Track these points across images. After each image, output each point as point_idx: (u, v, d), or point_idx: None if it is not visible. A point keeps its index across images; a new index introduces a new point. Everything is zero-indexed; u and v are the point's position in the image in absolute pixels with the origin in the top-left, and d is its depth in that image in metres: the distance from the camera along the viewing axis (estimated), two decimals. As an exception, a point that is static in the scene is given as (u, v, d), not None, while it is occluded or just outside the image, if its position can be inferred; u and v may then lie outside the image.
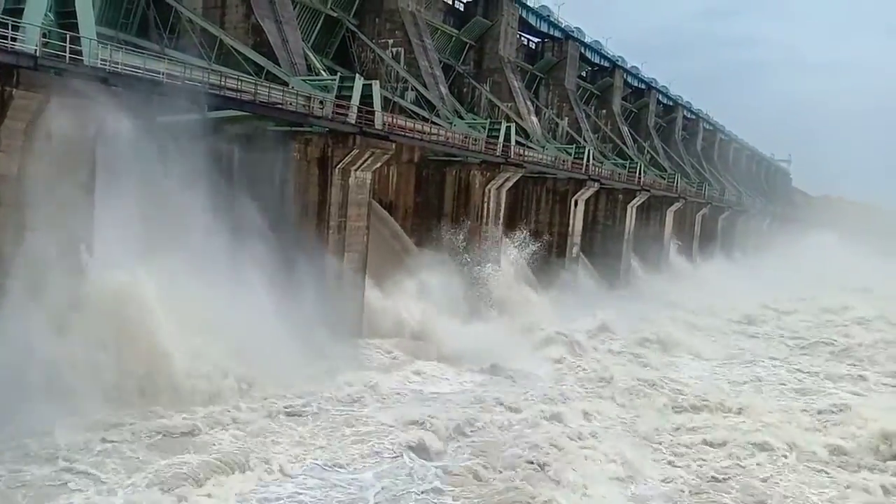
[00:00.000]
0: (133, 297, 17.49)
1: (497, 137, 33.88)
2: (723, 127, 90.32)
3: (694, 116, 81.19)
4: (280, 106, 23.18)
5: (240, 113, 22.70)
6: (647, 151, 64.03)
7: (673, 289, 48.63)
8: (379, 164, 26.87)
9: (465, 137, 32.63)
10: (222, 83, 21.69)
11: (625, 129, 61.48)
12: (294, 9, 29.60)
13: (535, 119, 45.78)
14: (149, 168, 19.16)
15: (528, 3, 48.05)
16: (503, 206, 34.94)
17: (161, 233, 18.32)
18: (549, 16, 50.62)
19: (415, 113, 32.94)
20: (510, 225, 39.64)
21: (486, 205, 33.46)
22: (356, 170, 25.61)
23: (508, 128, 34.72)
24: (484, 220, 33.50)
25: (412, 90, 35.05)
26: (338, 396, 19.91)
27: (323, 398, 19.56)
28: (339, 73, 27.30)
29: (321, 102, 24.66)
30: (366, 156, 25.42)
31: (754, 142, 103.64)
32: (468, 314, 29.88)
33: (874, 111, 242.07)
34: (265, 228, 23.33)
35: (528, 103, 45.91)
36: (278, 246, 23.15)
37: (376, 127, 25.90)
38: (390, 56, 36.12)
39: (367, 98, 25.77)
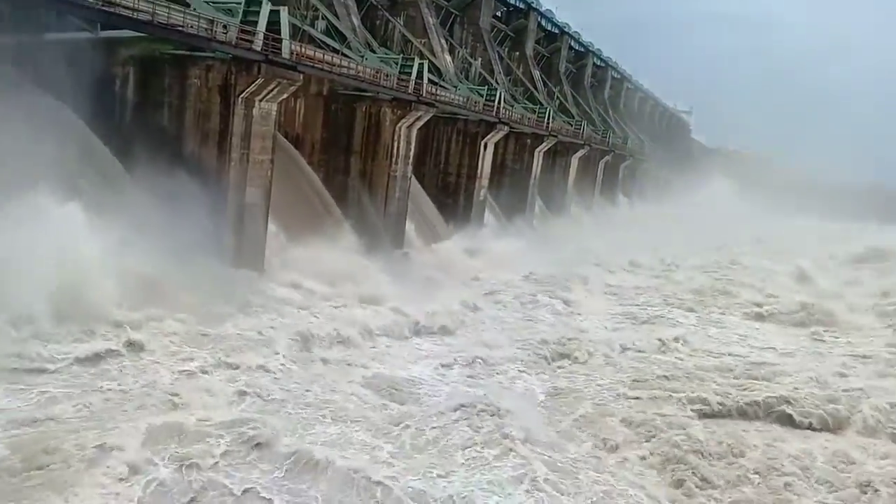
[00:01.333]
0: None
1: (409, 74, 33.17)
2: (630, 76, 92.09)
3: (603, 64, 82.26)
4: (180, 28, 21.73)
5: (136, 34, 21.15)
6: (557, 97, 64.57)
7: (573, 233, 50.22)
8: (285, 96, 25.79)
9: (377, 72, 31.77)
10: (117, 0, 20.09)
11: (536, 74, 61.60)
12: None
13: (448, 57, 45.05)
14: (30, 89, 17.72)
15: (446, -64, 46.72)
16: (413, 145, 34.51)
17: (40, 158, 17.10)
18: (466, -49, 49.43)
19: (325, 44, 31.68)
20: (419, 165, 39.41)
21: (396, 143, 32.91)
22: (261, 100, 24.51)
23: (421, 65, 34.02)
24: (394, 159, 33.01)
25: (323, 19, 33.63)
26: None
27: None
28: (244, -4, 25.80)
29: (224, 27, 23.24)
30: (271, 86, 24.32)
31: (658, 92, 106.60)
32: (375, 253, 29.70)
33: (773, 69, 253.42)
34: (161, 158, 22.18)
35: (443, 41, 45.07)
36: (174, 176, 22.07)
37: (283, 56, 24.73)
38: (301, -19, 34.40)
39: (274, 25, 24.47)
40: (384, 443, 14.77)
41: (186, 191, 21.90)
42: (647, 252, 45.50)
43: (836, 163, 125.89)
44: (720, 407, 18.48)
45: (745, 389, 19.69)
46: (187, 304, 19.60)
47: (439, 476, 13.56)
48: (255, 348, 18.64)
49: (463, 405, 16.53)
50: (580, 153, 58.61)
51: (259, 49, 23.75)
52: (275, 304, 22.86)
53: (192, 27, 22.12)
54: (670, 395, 19.06)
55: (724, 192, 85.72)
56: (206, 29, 22.56)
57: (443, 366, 20.43)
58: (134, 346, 17.12)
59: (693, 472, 14.81)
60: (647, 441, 16.19)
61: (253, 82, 23.76)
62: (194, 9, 22.65)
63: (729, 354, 24.10)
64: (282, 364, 18.14)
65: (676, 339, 25.04)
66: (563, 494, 13.38)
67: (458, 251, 36.10)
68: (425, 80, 34.18)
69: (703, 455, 15.58)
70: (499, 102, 43.23)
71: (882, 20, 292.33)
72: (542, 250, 40.10)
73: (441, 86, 39.08)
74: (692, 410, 18.22)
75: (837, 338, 28.29)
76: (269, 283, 24.47)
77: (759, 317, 31.20)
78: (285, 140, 30.79)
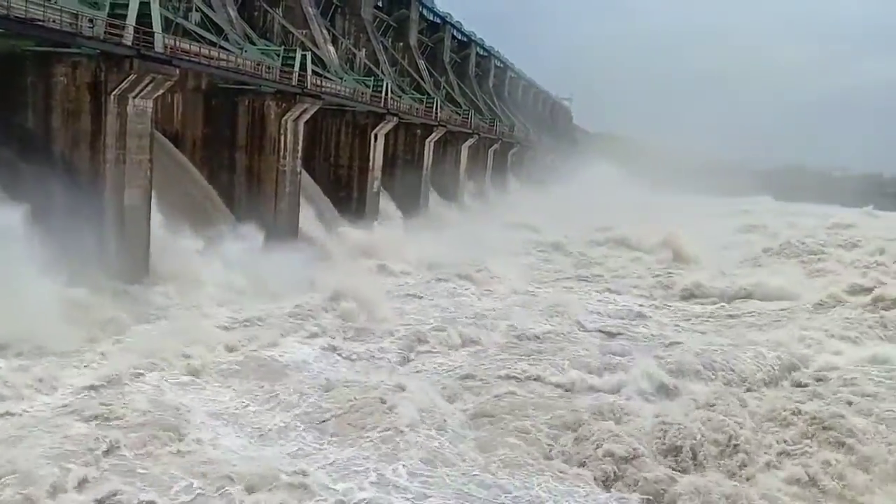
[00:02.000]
0: None
1: (292, 66, 32.44)
2: (512, 65, 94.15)
3: (486, 54, 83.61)
4: (40, 23, 20.30)
5: (-11, 28, 19.59)
6: (443, 87, 65.09)
7: (466, 220, 51.03)
8: (161, 92, 24.67)
9: (258, 65, 30.89)
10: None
11: (422, 64, 61.80)
12: None
13: (331, 49, 44.44)
14: None
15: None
16: (301, 138, 33.84)
17: None
18: (343, -59, 48.84)
19: (201, 36, 30.51)
20: (309, 159, 38.73)
21: (282, 137, 32.13)
22: (135, 97, 23.31)
23: (304, 56, 33.35)
24: (281, 154, 32.24)
25: (197, 11, 32.39)
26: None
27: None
28: (110, -12, 24.44)
29: (91, 21, 21.92)
30: (145, 81, 23.18)
31: (540, 80, 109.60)
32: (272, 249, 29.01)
33: (649, 55, 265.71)
34: (27, 163, 20.75)
35: (325, 32, 44.39)
36: (43, 181, 20.70)
37: (157, 50, 23.62)
38: (170, -28, 32.92)
39: (144, 18, 23.29)
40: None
41: (57, 196, 20.58)
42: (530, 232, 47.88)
43: (708, 141, 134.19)
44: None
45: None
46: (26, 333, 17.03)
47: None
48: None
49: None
50: (469, 142, 59.41)
51: (130, 44, 22.58)
52: (154, 311, 21.70)
53: (53, 21, 20.72)
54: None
55: (608, 175, 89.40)
56: (69, 23, 21.20)
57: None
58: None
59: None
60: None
61: (125, 79, 22.59)
62: (56, 2, 21.23)
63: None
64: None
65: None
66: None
67: (353, 243, 35.78)
68: (309, 72, 33.57)
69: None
70: (386, 93, 43.08)
71: (754, 3, 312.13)
72: (438, 238, 40.50)
73: (326, 77, 38.50)
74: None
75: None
76: (152, 289, 23.33)
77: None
78: (164, 138, 29.48)
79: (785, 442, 15.24)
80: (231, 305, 23.82)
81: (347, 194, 41.35)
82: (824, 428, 15.44)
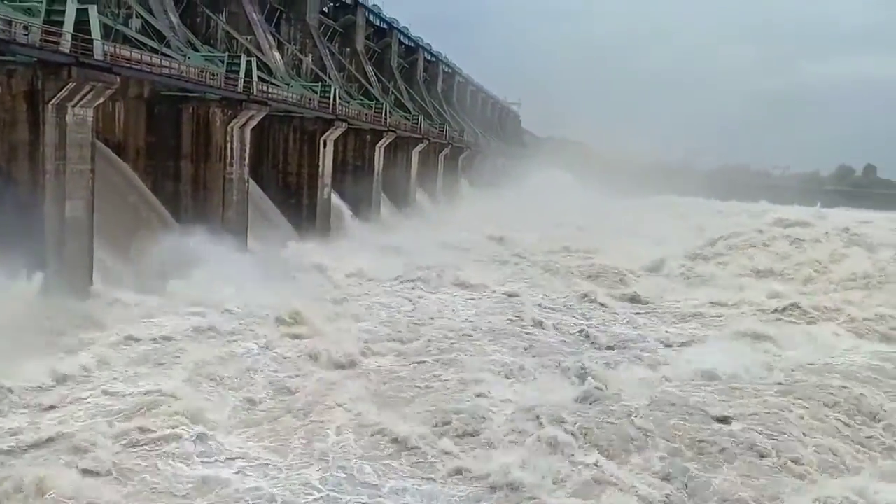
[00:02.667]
0: None
1: (237, 73, 32.02)
2: (460, 70, 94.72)
3: (434, 59, 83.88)
4: (-30, 29, 19.64)
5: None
6: (392, 92, 65.02)
7: (418, 224, 51.13)
8: (102, 100, 24.06)
9: (202, 71, 30.40)
10: None
11: (369, 69, 61.65)
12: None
13: (277, 55, 44.01)
14: None
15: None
16: (248, 146, 33.38)
17: None
18: (286, -55, 48.43)
19: (142, 43, 29.88)
20: (257, 166, 38.25)
21: (229, 145, 31.64)
22: (74, 106, 22.67)
23: (249, 62, 32.94)
24: (228, 162, 31.74)
25: (137, 18, 31.67)
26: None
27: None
28: (45, -6, 23.77)
29: (26, 28, 21.26)
30: (85, 90, 22.56)
31: (488, 85, 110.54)
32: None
33: (596, 59, 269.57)
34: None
35: (270, 37, 43.93)
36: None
37: (96, 57, 23.03)
38: (109, -22, 32.16)
39: (83, 25, 22.71)
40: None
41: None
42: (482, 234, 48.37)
43: (656, 143, 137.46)
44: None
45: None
46: None
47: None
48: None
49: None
50: (420, 147, 59.49)
51: (68, 51, 21.96)
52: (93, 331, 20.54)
53: (-16, 28, 20.04)
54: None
55: (556, 178, 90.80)
56: (2, 30, 20.50)
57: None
58: None
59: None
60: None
61: (63, 87, 21.95)
62: (-14, 8, 20.55)
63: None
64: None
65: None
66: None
67: (306, 249, 35.38)
68: (255, 78, 33.18)
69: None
70: (334, 99, 42.83)
71: (698, 6, 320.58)
72: (389, 242, 40.49)
73: (272, 83, 38.11)
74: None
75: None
76: (95, 303, 22.60)
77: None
78: (106, 147, 28.75)
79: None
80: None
81: (297, 201, 40.94)
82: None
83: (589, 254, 41.81)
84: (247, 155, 33.19)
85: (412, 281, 31.73)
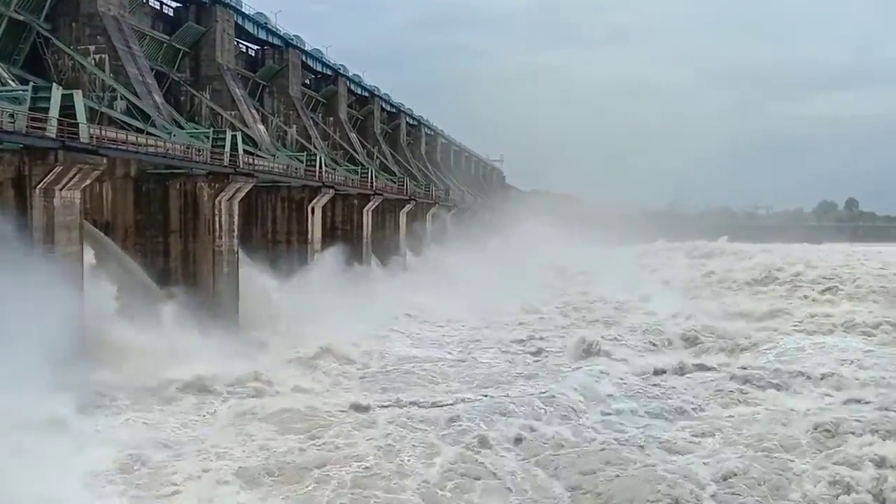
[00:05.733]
0: None
1: (223, 147, 32.49)
2: (442, 131, 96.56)
3: (416, 122, 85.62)
4: (-44, 120, 19.96)
5: None
6: (377, 157, 66.09)
7: (410, 282, 51.24)
8: (88, 182, 24.33)
9: (188, 148, 30.79)
10: None
11: (353, 136, 62.78)
12: (-35, 9, 25.67)
13: (261, 127, 44.82)
14: None
15: (244, 11, 46.85)
16: (236, 217, 33.61)
17: None
18: (266, 23, 49.85)
19: (127, 124, 30.40)
20: (246, 236, 38.39)
21: (217, 217, 31.86)
22: (61, 189, 22.91)
23: (234, 136, 33.46)
24: (217, 234, 31.89)
25: (122, 99, 32.31)
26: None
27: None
28: (31, 83, 24.27)
29: (12, 116, 21.64)
30: (72, 173, 22.83)
31: (471, 144, 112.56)
32: (209, 333, 28.32)
33: (575, 111, 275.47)
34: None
35: (253, 111, 44.82)
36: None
37: (82, 140, 23.38)
38: (93, 63, 32.92)
39: (69, 109, 23.15)
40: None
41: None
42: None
43: (638, 194, 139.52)
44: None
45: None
46: None
47: None
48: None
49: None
50: (407, 208, 60.03)
51: (54, 136, 22.30)
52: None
53: (-29, 119, 20.38)
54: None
55: (540, 231, 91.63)
56: (-12, 119, 20.87)
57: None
58: None
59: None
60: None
61: (50, 171, 22.21)
62: (-28, 100, 20.94)
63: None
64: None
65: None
66: None
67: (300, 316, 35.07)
68: (240, 151, 33.64)
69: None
70: (320, 167, 43.40)
71: (675, 55, 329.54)
72: (376, 302, 40.65)
73: (258, 155, 38.67)
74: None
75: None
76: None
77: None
78: (94, 228, 28.86)
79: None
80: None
81: (289, 269, 40.99)
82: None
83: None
84: (235, 226, 33.37)
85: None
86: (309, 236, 41.82)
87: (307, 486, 16.10)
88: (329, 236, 46.83)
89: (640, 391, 24.77)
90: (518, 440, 19.17)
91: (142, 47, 36.91)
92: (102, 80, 32.60)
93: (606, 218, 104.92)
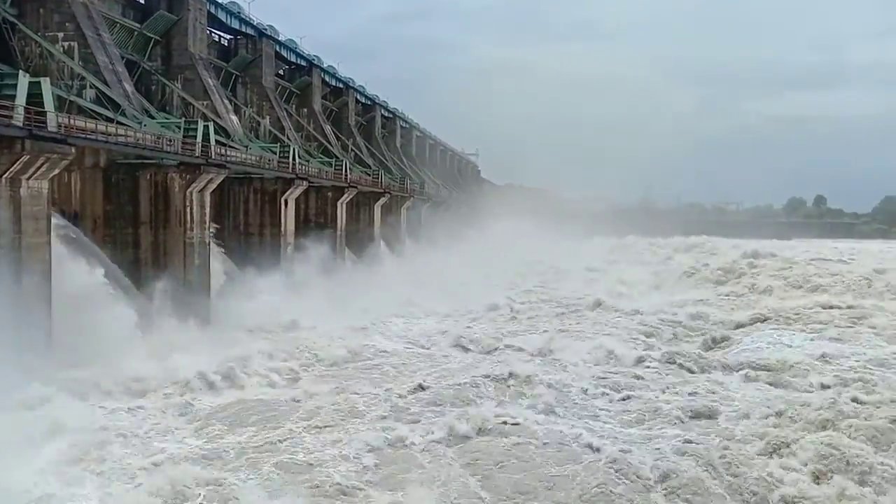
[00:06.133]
0: None
1: (195, 137, 32.15)
2: (417, 124, 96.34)
3: (391, 115, 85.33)
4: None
5: None
6: (351, 149, 65.82)
7: (384, 275, 51.25)
8: (57, 171, 23.94)
9: (159, 138, 30.44)
10: None
11: (328, 128, 62.44)
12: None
13: (234, 118, 44.42)
14: None
15: (217, -1, 46.38)
16: (208, 208, 33.32)
17: None
18: (239, 12, 49.36)
19: (97, 113, 29.96)
20: (219, 228, 38.09)
21: (188, 209, 31.55)
22: (28, 178, 22.52)
23: (206, 127, 33.11)
24: (188, 226, 31.59)
25: (91, 88, 31.82)
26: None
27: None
28: (-4, 70, 23.92)
29: (-24, 105, 21.26)
30: (39, 162, 22.45)
31: (447, 138, 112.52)
32: (181, 325, 28.12)
33: (548, 107, 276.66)
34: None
35: (226, 102, 44.39)
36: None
37: (50, 129, 23.03)
38: (62, 51, 32.36)
39: (36, 97, 22.78)
40: None
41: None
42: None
43: (610, 188, 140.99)
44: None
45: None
46: None
47: None
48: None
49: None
50: (381, 201, 59.92)
51: (20, 124, 21.92)
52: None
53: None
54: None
55: (514, 225, 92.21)
56: (-49, 106, 20.50)
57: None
58: None
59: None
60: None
61: (17, 160, 21.81)
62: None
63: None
64: None
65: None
66: None
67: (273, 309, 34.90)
68: (212, 142, 33.33)
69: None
70: (293, 158, 43.15)
71: (644, 51, 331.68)
72: (354, 296, 40.39)
73: (230, 146, 38.33)
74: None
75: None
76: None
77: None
78: (62, 218, 28.42)
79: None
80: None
81: (261, 261, 40.71)
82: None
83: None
84: (207, 218, 33.08)
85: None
86: (282, 229, 41.60)
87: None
88: (303, 229, 46.61)
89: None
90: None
91: (112, 35, 36.34)
92: (71, 67, 32.08)
93: (579, 212, 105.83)
